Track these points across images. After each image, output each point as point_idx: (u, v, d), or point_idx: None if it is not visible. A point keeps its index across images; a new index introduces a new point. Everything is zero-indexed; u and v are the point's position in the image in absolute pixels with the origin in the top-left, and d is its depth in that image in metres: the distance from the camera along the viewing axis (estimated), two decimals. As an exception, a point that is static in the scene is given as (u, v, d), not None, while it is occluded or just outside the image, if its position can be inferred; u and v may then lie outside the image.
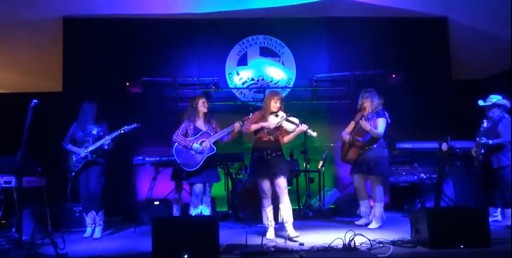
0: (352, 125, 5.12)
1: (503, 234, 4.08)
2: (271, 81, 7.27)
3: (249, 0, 6.72)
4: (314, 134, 4.25)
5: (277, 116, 4.40)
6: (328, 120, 6.96)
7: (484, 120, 5.05)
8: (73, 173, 4.75)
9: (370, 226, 4.78)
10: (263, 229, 4.51)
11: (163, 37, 7.11)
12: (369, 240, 3.73)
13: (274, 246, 3.75)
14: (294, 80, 7.31)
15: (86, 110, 4.86)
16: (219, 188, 5.94)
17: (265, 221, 4.45)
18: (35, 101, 4.07)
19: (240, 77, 7.28)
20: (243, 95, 7.26)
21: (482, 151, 4.95)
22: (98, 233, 4.73)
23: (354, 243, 3.62)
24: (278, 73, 7.32)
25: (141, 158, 5.86)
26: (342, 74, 7.15)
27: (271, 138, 4.40)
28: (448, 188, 5.97)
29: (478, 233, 3.65)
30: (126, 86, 6.61)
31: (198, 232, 3.51)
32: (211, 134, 4.76)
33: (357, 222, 5.01)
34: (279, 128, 4.40)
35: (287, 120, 4.34)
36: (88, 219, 4.83)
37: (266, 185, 4.39)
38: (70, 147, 4.81)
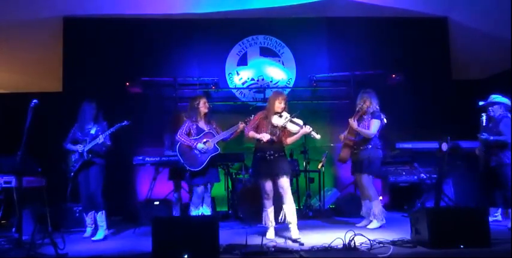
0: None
1: (503, 234, 4.07)
2: (271, 81, 7.27)
3: (249, 0, 6.72)
4: (318, 136, 4.21)
5: (281, 116, 4.34)
6: (328, 120, 6.97)
7: (482, 114, 5.05)
8: (72, 174, 4.74)
9: (369, 226, 4.77)
10: (263, 229, 4.51)
11: (163, 37, 7.11)
12: (369, 240, 3.73)
13: (274, 246, 3.75)
14: (294, 80, 7.31)
15: (85, 109, 4.84)
16: (219, 188, 5.94)
17: (265, 221, 4.44)
18: (35, 101, 4.07)
19: (240, 77, 7.28)
20: (243, 95, 7.26)
21: (484, 149, 4.98)
22: (99, 235, 4.61)
23: (354, 243, 3.62)
24: (278, 73, 7.32)
25: (141, 158, 5.86)
26: (342, 74, 7.16)
27: (274, 138, 4.35)
28: (448, 188, 5.98)
29: (478, 233, 3.64)
30: (126, 86, 6.61)
31: (198, 232, 3.50)
32: (215, 134, 4.76)
33: (358, 225, 5.01)
34: (282, 128, 4.35)
35: (291, 121, 4.27)
36: (88, 219, 4.84)
37: (268, 185, 4.37)
38: (69, 146, 4.80)
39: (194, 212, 4.68)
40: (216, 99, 7.10)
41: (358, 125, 4.84)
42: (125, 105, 6.52)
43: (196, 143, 4.65)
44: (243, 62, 7.30)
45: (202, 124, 4.83)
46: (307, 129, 4.19)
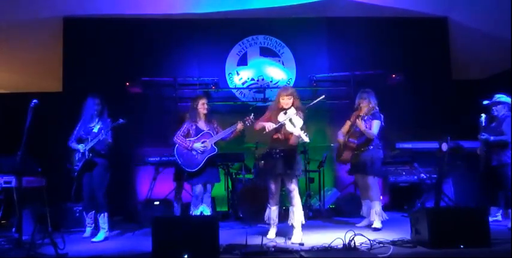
0: (347, 124, 5.14)
1: (503, 234, 4.07)
2: (271, 81, 7.27)
3: (249, 0, 6.72)
4: (306, 139, 3.97)
5: (285, 113, 4.20)
6: (328, 120, 6.96)
7: (481, 114, 5.05)
8: (75, 173, 4.69)
9: (374, 226, 4.74)
10: (263, 229, 4.51)
11: (163, 37, 7.11)
12: (369, 240, 3.73)
13: (274, 246, 3.75)
14: (294, 80, 7.31)
15: (88, 106, 4.74)
16: (219, 188, 5.93)
17: (268, 218, 4.41)
18: (35, 101, 4.07)
19: (240, 77, 7.28)
20: (243, 95, 7.26)
21: (485, 148, 4.98)
22: (100, 237, 4.55)
23: (354, 243, 3.63)
24: (278, 73, 7.32)
25: (141, 158, 5.85)
26: (342, 74, 7.15)
27: (280, 136, 4.25)
28: (448, 188, 5.98)
29: (478, 233, 3.64)
30: (126, 86, 6.60)
31: (198, 232, 3.50)
32: (212, 135, 4.77)
33: (358, 225, 5.01)
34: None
35: (290, 120, 4.15)
36: (88, 219, 4.83)
37: (273, 183, 4.32)
38: (73, 144, 4.73)
39: (194, 211, 4.69)
40: (216, 99, 7.10)
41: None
42: (125, 105, 6.49)
43: (192, 144, 4.67)
44: (243, 62, 7.30)
45: (202, 124, 4.84)
46: (296, 132, 3.99)
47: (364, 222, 5.03)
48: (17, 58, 7.18)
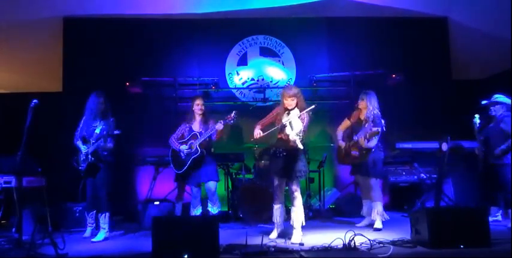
0: (345, 123, 5.15)
1: (503, 234, 4.07)
2: (271, 81, 7.27)
3: (249, 0, 6.72)
4: (300, 146, 3.92)
5: (288, 114, 4.20)
6: (328, 121, 6.95)
7: (475, 116, 5.06)
8: (82, 173, 4.68)
9: (375, 226, 4.73)
10: (263, 229, 4.52)
11: (163, 37, 7.10)
12: (369, 240, 3.74)
13: (274, 246, 3.75)
14: (294, 80, 7.30)
15: (90, 105, 4.66)
16: (219, 188, 5.89)
17: (273, 218, 4.43)
18: (35, 101, 4.07)
19: (240, 77, 7.28)
20: (243, 95, 7.26)
21: (483, 149, 4.98)
22: (100, 237, 4.54)
23: (354, 243, 3.63)
24: (278, 73, 7.32)
25: (141, 158, 5.86)
26: (342, 74, 7.14)
27: (284, 137, 4.24)
28: (448, 188, 5.98)
29: (478, 233, 3.65)
30: (126, 86, 6.60)
31: (198, 232, 3.51)
32: (198, 136, 4.79)
33: (358, 225, 5.00)
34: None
35: (290, 123, 4.09)
36: (89, 219, 4.82)
37: (276, 182, 4.36)
38: (78, 144, 4.68)
39: (193, 212, 4.71)
40: (216, 99, 7.10)
41: (361, 134, 4.81)
42: (125, 105, 6.49)
43: (180, 146, 4.74)
44: (243, 62, 7.30)
45: (196, 125, 4.88)
46: (292, 137, 3.93)
47: (364, 222, 5.03)
48: (17, 58, 7.17)
